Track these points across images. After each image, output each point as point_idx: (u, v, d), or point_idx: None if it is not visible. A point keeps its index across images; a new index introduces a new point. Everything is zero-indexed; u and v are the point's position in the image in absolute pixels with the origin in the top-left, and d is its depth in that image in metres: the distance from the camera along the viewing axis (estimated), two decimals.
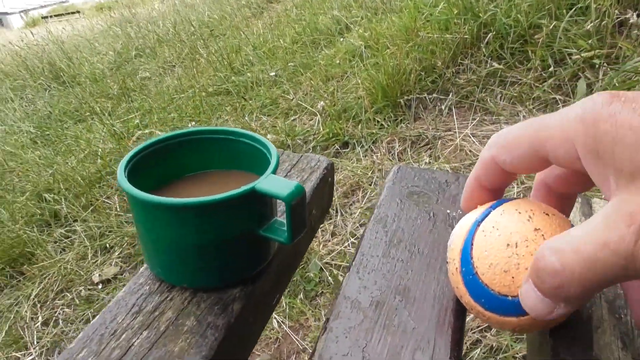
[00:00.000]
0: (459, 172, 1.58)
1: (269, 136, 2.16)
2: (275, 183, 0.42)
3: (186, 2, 8.84)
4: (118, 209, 1.99)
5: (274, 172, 0.45)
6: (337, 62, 2.64)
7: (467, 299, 0.36)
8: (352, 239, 1.48)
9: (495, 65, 1.89)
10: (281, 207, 0.56)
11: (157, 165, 0.53)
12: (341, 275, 1.37)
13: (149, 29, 5.76)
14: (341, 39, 3.04)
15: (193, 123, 2.43)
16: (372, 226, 0.54)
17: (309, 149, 2.01)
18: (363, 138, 1.96)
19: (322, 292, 1.33)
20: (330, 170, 0.67)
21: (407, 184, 0.61)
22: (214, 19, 5.55)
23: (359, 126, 2.01)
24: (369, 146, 1.90)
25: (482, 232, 0.35)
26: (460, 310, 0.43)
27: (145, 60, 4.53)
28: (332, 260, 1.43)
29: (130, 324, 0.43)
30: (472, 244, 0.35)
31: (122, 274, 1.77)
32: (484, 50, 1.95)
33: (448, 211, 0.56)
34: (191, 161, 0.56)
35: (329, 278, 1.37)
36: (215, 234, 0.43)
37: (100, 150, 2.45)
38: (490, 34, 1.94)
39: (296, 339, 1.20)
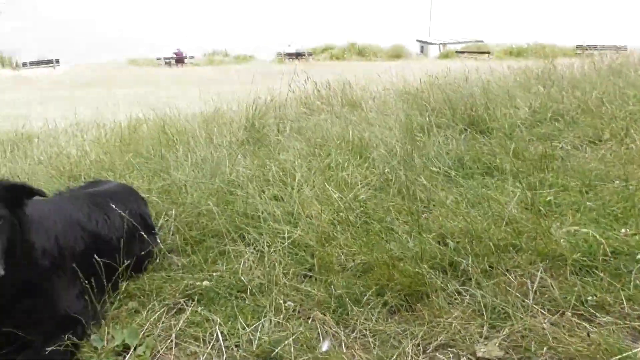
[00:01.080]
0: None
1: None
2: None
3: (613, 67, 8.15)
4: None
5: None
6: None
7: None
8: None
9: None
10: None
11: None
12: None
13: (572, 93, 5.51)
14: None
15: (625, 231, 2.13)
16: None
17: None
18: None
19: None
20: None
21: None
22: None
23: None
24: None
25: None
26: None
27: (563, 127, 4.34)
28: None
29: None
30: None
31: None
32: None
33: None
34: None
35: None
36: None
37: (507, 216, 2.44)
38: None
39: None
